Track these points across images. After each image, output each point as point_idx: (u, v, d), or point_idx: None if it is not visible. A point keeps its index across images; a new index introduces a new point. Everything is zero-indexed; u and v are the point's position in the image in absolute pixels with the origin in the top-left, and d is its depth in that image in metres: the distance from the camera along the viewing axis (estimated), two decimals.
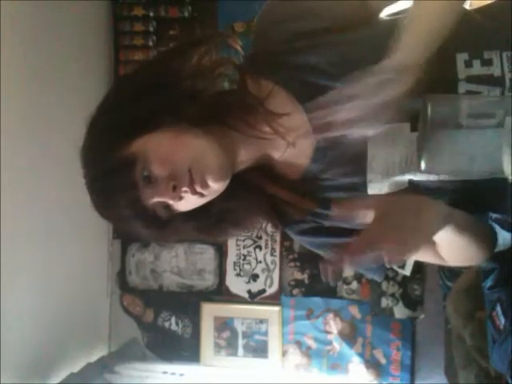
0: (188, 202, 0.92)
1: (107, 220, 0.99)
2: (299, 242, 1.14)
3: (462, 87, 0.91)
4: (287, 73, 0.95)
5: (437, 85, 0.90)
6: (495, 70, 0.90)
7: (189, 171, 0.89)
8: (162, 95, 0.91)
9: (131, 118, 0.91)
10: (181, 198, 0.90)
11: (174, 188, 0.89)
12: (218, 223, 1.01)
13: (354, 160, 0.95)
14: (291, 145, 0.96)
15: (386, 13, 1.01)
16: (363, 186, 0.96)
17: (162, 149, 0.90)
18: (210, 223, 1.00)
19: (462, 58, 0.91)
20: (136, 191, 0.90)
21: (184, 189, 0.89)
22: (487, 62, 0.90)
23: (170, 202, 0.90)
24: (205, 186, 0.90)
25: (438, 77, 0.90)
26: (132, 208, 0.91)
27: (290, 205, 1.00)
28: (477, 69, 0.91)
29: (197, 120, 0.92)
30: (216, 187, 0.91)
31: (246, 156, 0.97)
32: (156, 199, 0.90)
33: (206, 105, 0.94)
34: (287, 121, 0.95)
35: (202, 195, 0.91)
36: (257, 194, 1.00)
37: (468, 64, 0.91)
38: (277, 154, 0.98)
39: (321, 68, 0.93)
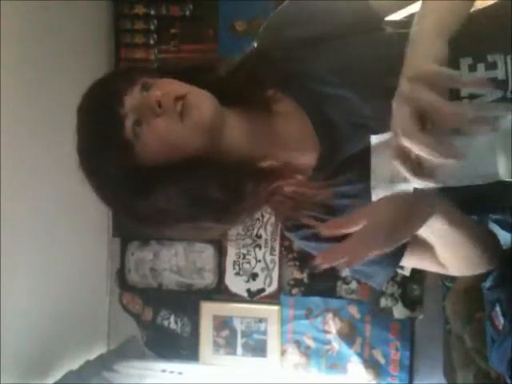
0: (157, 126, 0.87)
1: (80, 133, 0.94)
2: (302, 247, 1.12)
3: (465, 91, 0.90)
4: (289, 79, 0.95)
5: None
6: (499, 74, 0.90)
7: (183, 95, 0.88)
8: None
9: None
10: (160, 106, 0.87)
11: (162, 97, 0.87)
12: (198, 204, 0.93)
13: (358, 167, 0.94)
14: (295, 150, 0.97)
15: (392, 18, 1.01)
16: (367, 193, 0.95)
17: (172, 79, 0.92)
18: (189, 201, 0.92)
19: (465, 62, 0.91)
20: (127, 86, 0.90)
21: (170, 103, 0.87)
22: (491, 66, 0.89)
23: (151, 100, 0.87)
24: (192, 110, 0.87)
25: None
26: (110, 100, 0.89)
27: (297, 207, 0.99)
28: (481, 73, 0.90)
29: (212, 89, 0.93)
30: (199, 119, 0.88)
31: (240, 140, 0.95)
32: (138, 100, 0.88)
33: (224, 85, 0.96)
34: (291, 128, 0.95)
35: (182, 112, 0.87)
36: (255, 195, 0.96)
37: (472, 68, 0.90)
38: (282, 156, 0.98)
39: (322, 75, 0.93)
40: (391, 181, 0.94)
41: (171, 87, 0.89)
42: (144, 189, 0.90)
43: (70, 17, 2.48)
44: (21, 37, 2.18)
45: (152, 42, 2.84)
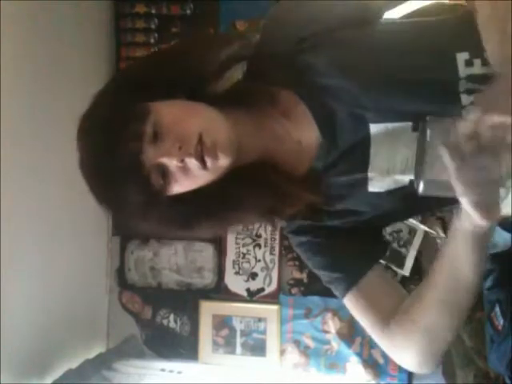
0: (185, 179, 0.89)
1: (93, 178, 0.91)
2: (298, 252, 1.12)
3: (462, 86, 0.91)
4: (289, 73, 0.96)
5: (437, 84, 0.91)
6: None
7: (198, 136, 0.87)
8: (188, 71, 0.95)
9: (157, 80, 0.94)
10: (183, 162, 0.87)
11: (180, 149, 0.87)
12: (208, 213, 0.97)
13: (357, 158, 0.95)
14: (296, 142, 0.97)
15: (388, 15, 1.02)
16: (364, 184, 0.97)
17: (176, 111, 0.91)
18: (199, 211, 0.95)
19: (462, 57, 0.91)
20: (139, 143, 0.87)
21: (189, 151, 0.87)
22: (488, 61, 0.89)
23: (173, 163, 0.87)
24: (213, 155, 0.87)
25: (438, 76, 0.91)
26: (129, 163, 0.87)
27: (295, 200, 1.00)
28: (477, 68, 0.91)
29: (213, 99, 0.93)
30: (222, 162, 0.89)
31: (251, 145, 0.96)
32: (158, 158, 0.87)
33: (224, 89, 0.96)
34: (293, 119, 0.96)
35: (205, 166, 0.88)
36: (257, 187, 0.97)
37: (468, 63, 0.91)
38: (282, 151, 0.99)
39: (322, 68, 0.94)
40: (388, 172, 0.95)
41: (181, 129, 0.88)
42: (183, 223, 0.95)
43: (71, 16, 2.48)
44: (21, 37, 2.18)
45: (153, 40, 2.84)
